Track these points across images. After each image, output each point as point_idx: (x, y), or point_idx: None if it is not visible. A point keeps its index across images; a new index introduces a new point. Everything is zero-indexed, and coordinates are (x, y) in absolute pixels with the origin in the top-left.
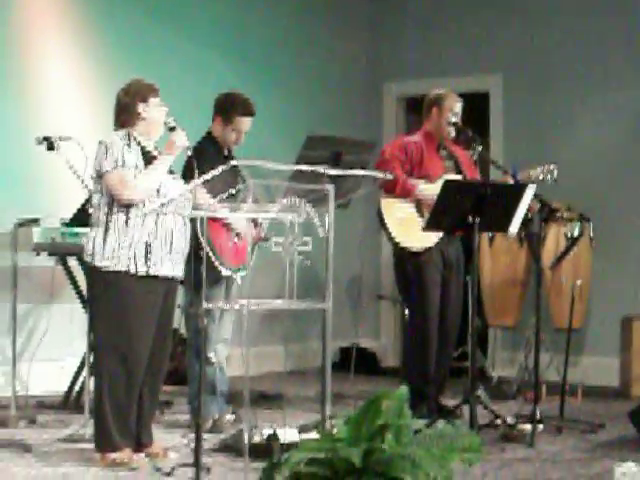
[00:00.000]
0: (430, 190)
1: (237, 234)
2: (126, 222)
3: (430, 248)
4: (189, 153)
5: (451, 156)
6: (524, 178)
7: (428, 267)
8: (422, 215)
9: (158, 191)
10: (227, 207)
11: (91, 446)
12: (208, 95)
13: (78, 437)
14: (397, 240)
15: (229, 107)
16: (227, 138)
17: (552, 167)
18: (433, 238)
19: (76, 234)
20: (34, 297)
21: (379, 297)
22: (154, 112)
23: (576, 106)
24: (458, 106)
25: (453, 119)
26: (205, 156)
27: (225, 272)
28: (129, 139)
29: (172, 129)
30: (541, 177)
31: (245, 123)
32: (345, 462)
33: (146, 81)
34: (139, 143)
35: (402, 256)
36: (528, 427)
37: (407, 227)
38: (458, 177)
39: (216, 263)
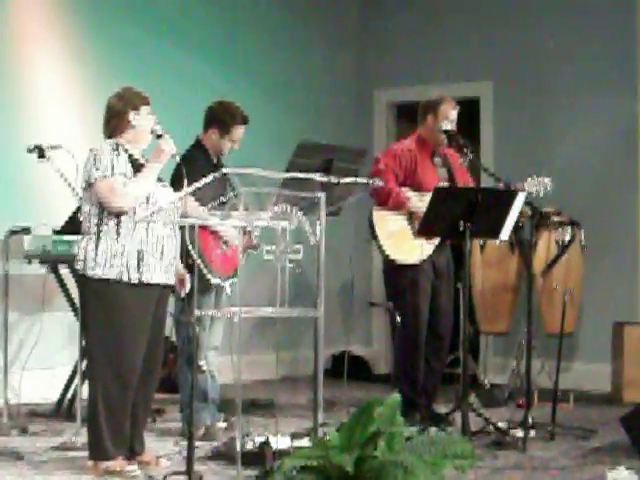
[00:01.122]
0: (423, 202)
1: (225, 242)
2: (117, 230)
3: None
4: (177, 160)
5: (445, 163)
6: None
7: (419, 277)
8: (414, 227)
9: (148, 199)
10: (217, 215)
11: (83, 454)
12: (198, 103)
13: (70, 445)
14: (388, 254)
15: (227, 118)
16: (222, 148)
17: (547, 180)
18: (425, 251)
19: (67, 242)
20: (25, 305)
21: (371, 304)
22: (144, 121)
23: (566, 112)
24: (454, 113)
25: (445, 126)
26: (194, 164)
27: (214, 281)
28: (117, 148)
29: (159, 136)
30: (534, 191)
31: (241, 132)
32: (338, 469)
33: (137, 89)
34: (127, 151)
35: (393, 267)
36: (520, 433)
37: (399, 240)
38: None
39: (205, 272)
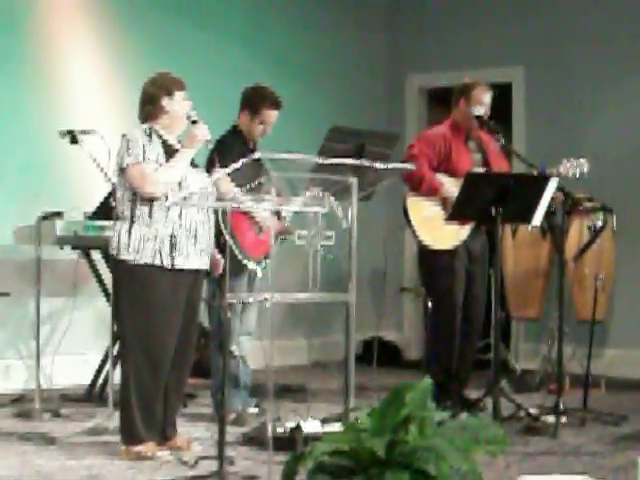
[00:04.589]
0: (456, 188)
1: (259, 226)
2: (150, 215)
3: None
4: (210, 147)
5: (480, 147)
6: (552, 174)
7: (453, 262)
8: (448, 213)
9: (180, 184)
10: (251, 199)
11: (115, 439)
12: (230, 88)
13: (102, 430)
14: (423, 239)
15: (257, 100)
16: (253, 130)
17: (582, 161)
18: (459, 237)
19: (99, 227)
20: (57, 290)
21: (402, 290)
22: (178, 106)
23: (598, 97)
24: (487, 96)
25: (477, 111)
26: (229, 148)
27: (249, 265)
28: (151, 133)
29: (194, 122)
30: (570, 173)
31: (272, 116)
32: (369, 453)
33: (173, 75)
34: (160, 137)
35: (427, 251)
36: (551, 419)
37: (433, 226)
38: (482, 170)
39: (238, 255)
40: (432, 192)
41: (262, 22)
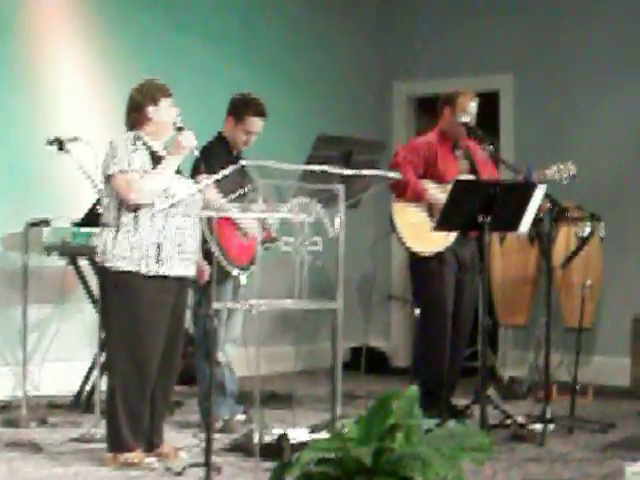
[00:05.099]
0: (442, 193)
1: (244, 233)
2: (136, 223)
3: (443, 251)
4: (196, 154)
5: (467, 155)
6: (539, 177)
7: (442, 269)
8: (434, 219)
9: (166, 192)
10: (237, 207)
11: (102, 446)
12: (218, 96)
13: (89, 437)
14: (409, 245)
15: (241, 107)
16: (236, 138)
17: (570, 165)
18: (446, 242)
19: (86, 235)
20: (45, 297)
21: (390, 297)
22: (163, 114)
23: (587, 105)
24: (472, 105)
25: (463, 119)
26: (215, 155)
27: (233, 271)
28: (136, 141)
29: (180, 129)
30: (557, 176)
31: (256, 124)
32: (355, 462)
33: (160, 82)
34: (145, 143)
35: (417, 258)
36: (539, 427)
37: (419, 232)
38: (471, 177)
39: (223, 262)
40: (417, 197)
41: (252, 30)
